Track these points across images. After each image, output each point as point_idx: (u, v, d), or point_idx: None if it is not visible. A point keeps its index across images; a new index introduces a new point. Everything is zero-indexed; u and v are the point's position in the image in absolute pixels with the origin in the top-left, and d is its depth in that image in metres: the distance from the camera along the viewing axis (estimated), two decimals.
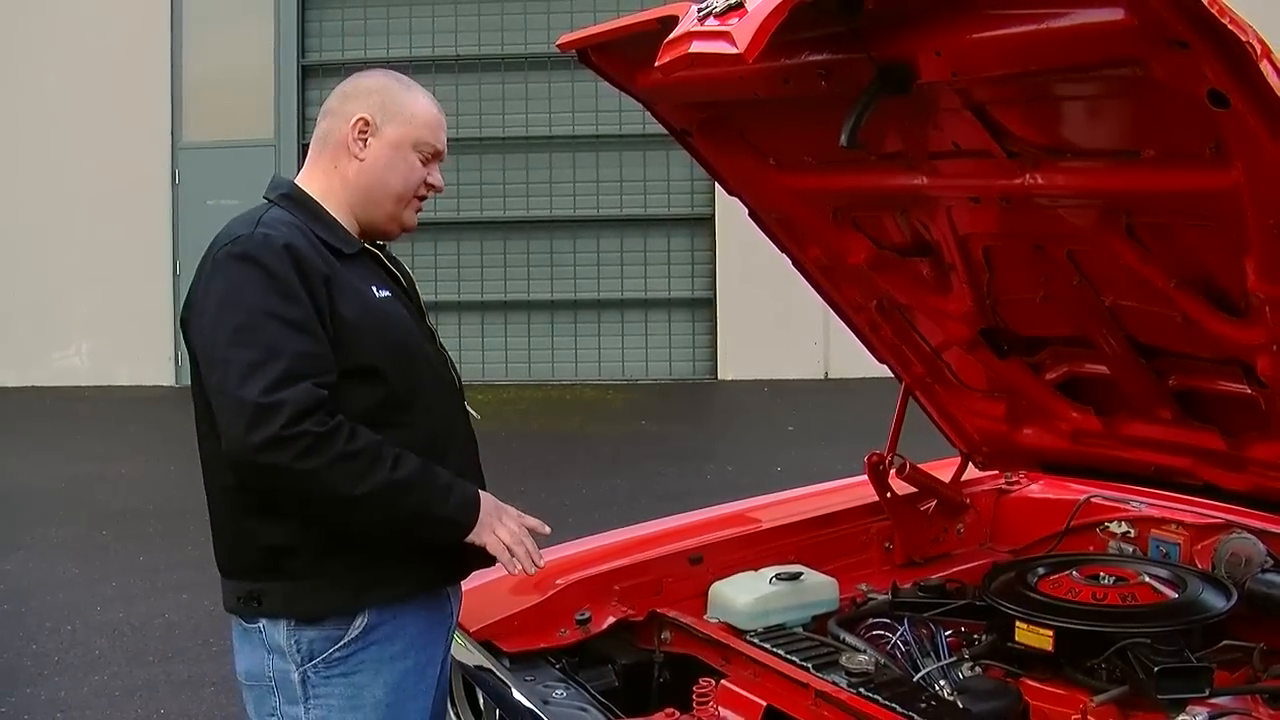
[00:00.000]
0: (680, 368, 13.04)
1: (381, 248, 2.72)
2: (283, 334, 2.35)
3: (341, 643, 2.50)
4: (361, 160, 2.60)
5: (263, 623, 2.51)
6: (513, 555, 2.52)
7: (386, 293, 2.57)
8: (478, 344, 12.97)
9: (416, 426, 2.52)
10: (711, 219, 12.54)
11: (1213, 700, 2.53)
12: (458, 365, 2.79)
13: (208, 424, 2.46)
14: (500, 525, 2.54)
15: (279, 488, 2.39)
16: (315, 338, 2.38)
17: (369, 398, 2.46)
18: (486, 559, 2.58)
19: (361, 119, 2.59)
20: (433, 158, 2.66)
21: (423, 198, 2.68)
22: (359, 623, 2.50)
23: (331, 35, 13.36)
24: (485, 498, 2.55)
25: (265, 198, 2.61)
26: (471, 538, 2.50)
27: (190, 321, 2.49)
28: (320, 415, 2.31)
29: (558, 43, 2.90)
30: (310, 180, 2.64)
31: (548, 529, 2.64)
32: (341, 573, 2.48)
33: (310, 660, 2.50)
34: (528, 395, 12.41)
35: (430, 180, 2.66)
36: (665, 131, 3.06)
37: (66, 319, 13.13)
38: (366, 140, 2.59)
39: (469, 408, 2.72)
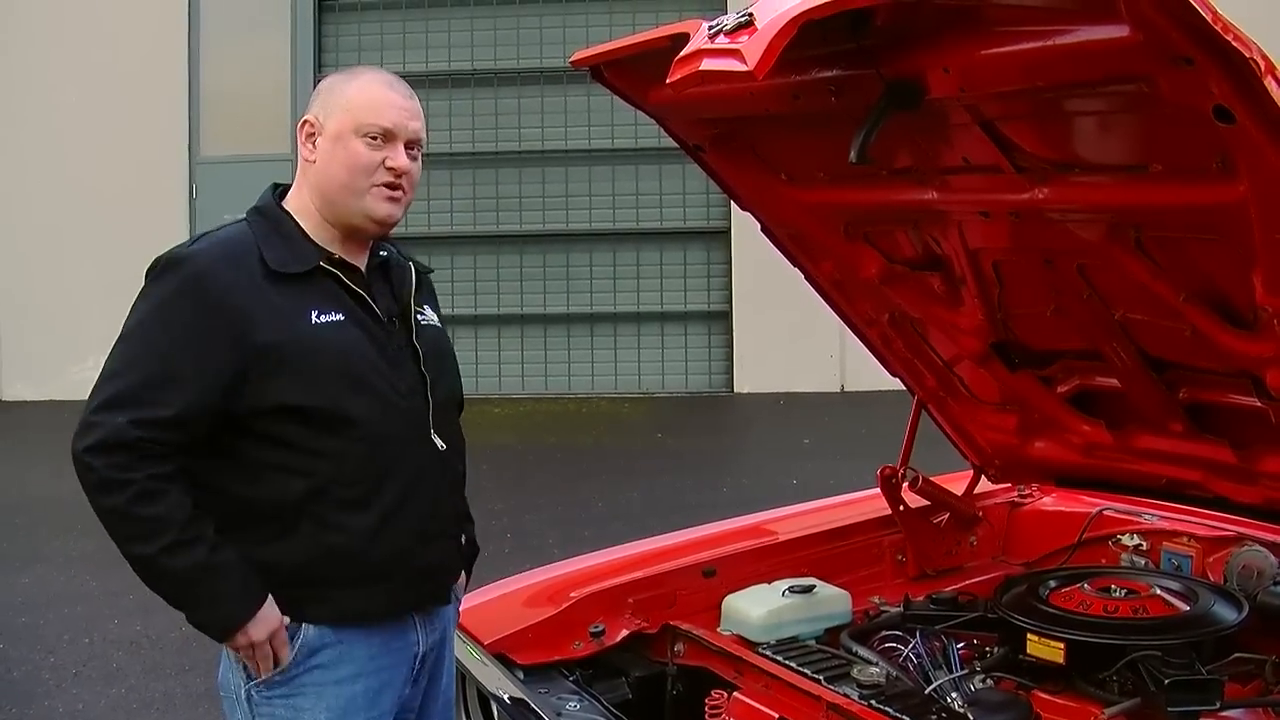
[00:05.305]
0: (696, 380, 13.00)
1: (383, 260, 2.60)
2: (140, 356, 2.35)
3: None
4: (313, 162, 2.53)
5: None
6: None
7: (335, 316, 2.44)
8: (494, 357, 12.96)
9: (346, 457, 2.42)
10: (727, 233, 12.51)
11: (1223, 713, 2.54)
12: (463, 384, 2.71)
13: None
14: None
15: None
16: (173, 368, 2.32)
17: (281, 424, 2.39)
18: (442, 597, 2.59)
19: (305, 122, 2.55)
20: (384, 138, 2.47)
21: (389, 185, 2.49)
22: (298, 642, 2.44)
23: (348, 50, 13.37)
24: (258, 622, 2.38)
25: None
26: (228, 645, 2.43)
27: None
28: (120, 457, 2.28)
29: (571, 60, 2.92)
30: (293, 195, 2.59)
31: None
32: (271, 585, 2.41)
33: (252, 679, 2.46)
34: (544, 408, 12.40)
35: (390, 163, 2.47)
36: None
37: (84, 333, 13.02)
38: (315, 141, 2.53)
39: (435, 437, 2.55)
